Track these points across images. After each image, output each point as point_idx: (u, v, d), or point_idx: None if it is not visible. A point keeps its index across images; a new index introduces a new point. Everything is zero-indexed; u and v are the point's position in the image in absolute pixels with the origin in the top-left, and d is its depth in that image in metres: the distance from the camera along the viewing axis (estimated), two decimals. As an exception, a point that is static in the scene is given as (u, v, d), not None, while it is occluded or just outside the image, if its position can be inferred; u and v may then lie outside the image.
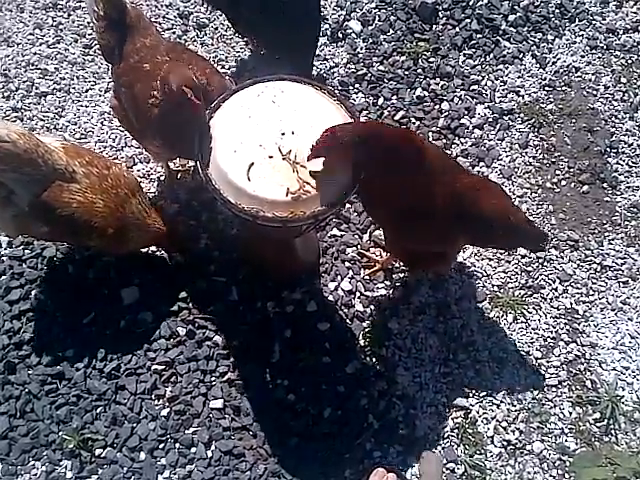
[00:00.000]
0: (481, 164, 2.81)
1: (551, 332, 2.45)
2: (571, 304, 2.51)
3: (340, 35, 3.07)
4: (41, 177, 2.03)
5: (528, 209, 2.71)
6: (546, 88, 3.01)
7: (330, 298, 2.47)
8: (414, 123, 2.86)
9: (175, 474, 2.18)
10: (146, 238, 2.30)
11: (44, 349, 2.31)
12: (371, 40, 3.06)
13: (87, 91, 2.86)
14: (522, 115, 2.94)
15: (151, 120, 2.11)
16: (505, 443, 2.27)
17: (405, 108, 2.89)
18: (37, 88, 2.84)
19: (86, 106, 2.83)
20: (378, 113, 2.88)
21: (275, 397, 2.28)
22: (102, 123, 2.79)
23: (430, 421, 2.28)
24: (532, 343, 2.43)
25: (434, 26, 3.12)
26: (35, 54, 2.93)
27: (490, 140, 2.85)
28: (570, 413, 2.32)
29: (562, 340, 2.44)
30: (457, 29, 3.11)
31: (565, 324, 2.47)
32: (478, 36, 3.10)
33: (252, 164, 1.87)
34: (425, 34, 3.09)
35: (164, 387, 2.29)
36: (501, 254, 2.59)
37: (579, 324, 2.47)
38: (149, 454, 2.20)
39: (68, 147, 2.16)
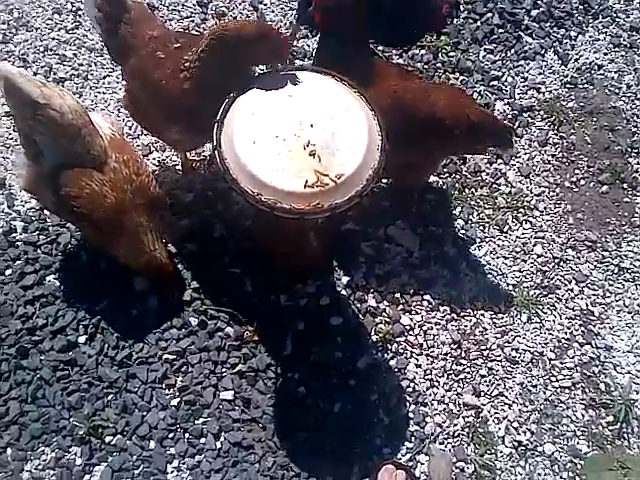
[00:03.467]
0: (499, 161, 2.78)
1: (565, 333, 2.43)
2: (587, 305, 2.48)
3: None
4: (72, 153, 2.06)
5: (546, 208, 2.68)
6: (567, 85, 2.97)
7: (343, 292, 2.46)
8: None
9: (184, 464, 2.18)
10: (138, 257, 2.19)
11: (57, 335, 2.31)
12: (391, 32, 3.02)
13: (105, 78, 2.85)
14: (542, 112, 2.90)
15: (177, 100, 2.09)
16: (516, 444, 2.25)
17: (423, 102, 2.85)
18: (55, 74, 2.83)
19: (103, 93, 2.82)
20: (396, 107, 2.84)
21: (286, 390, 2.27)
22: (119, 110, 2.78)
23: (440, 419, 2.27)
24: (546, 344, 2.41)
25: (455, 20, 3.08)
26: (54, 39, 2.92)
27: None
28: (583, 416, 2.30)
29: (577, 342, 2.42)
30: (478, 23, 3.07)
31: (580, 325, 2.45)
32: (500, 31, 3.06)
33: (271, 155, 1.86)
34: (446, 27, 3.05)
35: (175, 377, 2.29)
36: (517, 253, 2.57)
37: (594, 326, 2.45)
38: (158, 443, 2.20)
39: (115, 139, 2.16)
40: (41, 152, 2.09)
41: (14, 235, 2.48)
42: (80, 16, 2.99)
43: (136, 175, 2.15)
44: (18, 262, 2.42)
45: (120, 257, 2.23)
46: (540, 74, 2.99)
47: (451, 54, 2.98)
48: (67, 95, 2.06)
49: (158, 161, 2.69)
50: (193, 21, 3.02)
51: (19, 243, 2.47)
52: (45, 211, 2.50)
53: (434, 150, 2.37)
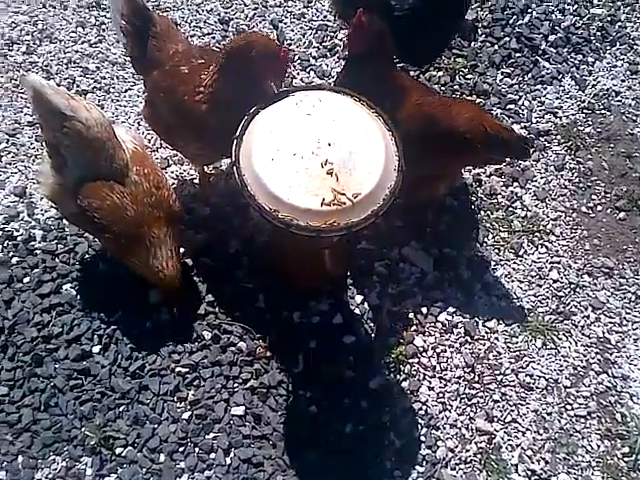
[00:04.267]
0: (515, 184, 2.78)
1: (581, 361, 2.41)
2: (603, 333, 2.47)
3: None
4: (95, 165, 2.10)
5: (562, 232, 2.68)
6: (585, 111, 2.98)
7: (356, 311, 2.46)
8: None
9: (193, 478, 2.17)
10: (150, 272, 2.21)
11: (72, 344, 2.33)
12: (409, 54, 3.05)
13: (126, 91, 2.89)
14: (559, 137, 2.91)
15: (198, 117, 2.13)
16: (530, 472, 2.22)
17: (441, 124, 2.87)
18: (78, 86, 2.87)
19: (124, 106, 2.86)
20: (414, 128, 2.86)
21: (297, 408, 2.27)
22: (139, 123, 2.81)
23: (452, 443, 2.25)
24: (561, 371, 2.39)
25: (473, 43, 3.10)
26: (77, 52, 2.97)
27: (525, 160, 2.83)
28: (598, 446, 2.27)
29: (593, 370, 2.40)
30: (496, 47, 3.10)
31: (596, 353, 2.43)
32: (517, 55, 3.09)
33: (288, 172, 1.88)
34: (463, 50, 3.08)
35: (187, 390, 2.29)
36: (532, 277, 2.56)
37: (611, 354, 2.43)
38: (169, 456, 2.20)
39: (137, 153, 2.21)
40: (65, 163, 2.13)
41: (33, 243, 2.50)
42: (104, 30, 3.04)
43: (156, 188, 2.18)
44: (36, 270, 2.44)
45: (135, 268, 2.24)
46: (557, 99, 3.00)
47: (468, 77, 3.01)
48: (93, 108, 2.10)
49: (176, 174, 2.71)
50: (214, 37, 3.07)
51: (38, 251, 2.49)
52: (64, 221, 2.53)
53: (453, 161, 2.42)
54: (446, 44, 2.81)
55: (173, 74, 2.18)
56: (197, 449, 2.21)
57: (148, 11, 2.24)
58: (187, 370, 2.31)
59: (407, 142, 1.99)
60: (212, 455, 2.20)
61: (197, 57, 2.19)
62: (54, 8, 3.07)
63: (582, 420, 2.31)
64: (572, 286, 2.55)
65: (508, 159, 2.52)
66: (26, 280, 2.42)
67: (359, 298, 2.48)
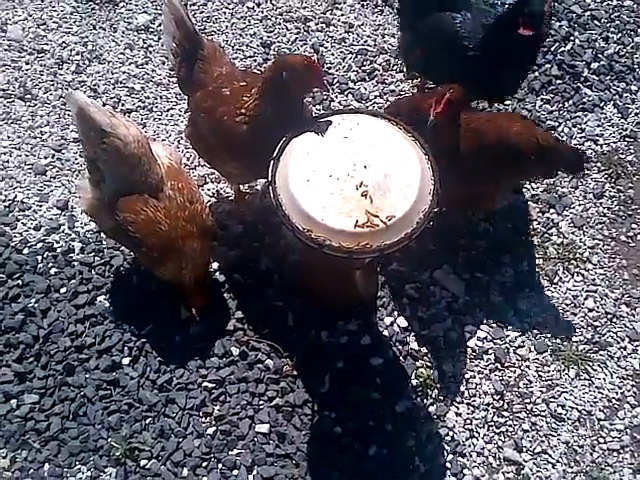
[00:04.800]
0: (552, 211, 2.74)
1: (616, 393, 2.34)
2: (640, 365, 2.39)
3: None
4: (130, 180, 2.16)
5: (599, 261, 2.61)
6: (627, 139, 2.93)
7: (385, 333, 2.44)
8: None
9: (215, 495, 2.17)
10: (181, 281, 2.26)
11: (102, 355, 2.37)
12: (447, 79, 3.06)
13: (168, 110, 2.98)
14: (599, 164, 2.86)
15: (237, 138, 2.18)
16: (558, 506, 2.16)
17: (477, 149, 2.86)
18: (123, 105, 2.97)
19: (166, 124, 2.94)
20: (449, 152, 2.86)
21: (321, 428, 2.25)
22: (179, 142, 2.89)
23: (479, 472, 2.20)
24: (595, 402, 2.32)
25: (515, 69, 3.09)
26: (124, 73, 3.07)
27: (563, 187, 2.78)
28: (630, 481, 2.19)
29: (628, 403, 2.32)
30: (536, 73, 3.08)
31: (632, 386, 2.35)
32: (558, 82, 3.06)
33: (323, 193, 1.89)
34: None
35: (212, 405, 2.31)
36: (566, 305, 2.50)
37: (647, 388, 2.35)
38: (191, 471, 2.20)
39: (172, 168, 2.26)
40: (103, 178, 2.19)
41: (71, 255, 2.58)
42: (150, 52, 3.15)
43: (190, 203, 2.22)
44: (73, 281, 2.51)
45: (166, 279, 2.29)
46: (598, 126, 2.96)
47: (507, 102, 2.99)
48: (132, 125, 2.17)
49: (212, 192, 2.76)
50: (255, 60, 3.14)
51: (75, 263, 2.56)
52: (102, 234, 2.60)
53: (505, 176, 2.39)
54: (524, 75, 2.61)
55: (215, 95, 2.25)
56: (220, 465, 2.21)
57: (197, 35, 2.32)
58: (214, 385, 2.33)
59: (459, 160, 1.98)
60: (235, 472, 2.20)
61: (239, 80, 2.25)
62: (104, 30, 3.20)
63: (615, 454, 2.24)
64: (609, 316, 2.48)
65: (562, 172, 2.45)
66: (63, 290, 2.49)
67: (388, 320, 2.47)
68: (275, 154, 2.01)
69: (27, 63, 3.05)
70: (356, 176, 1.92)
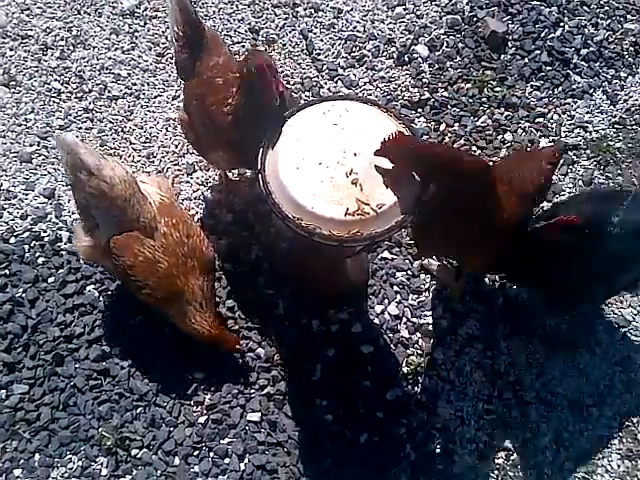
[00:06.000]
0: (542, 199, 2.74)
1: (605, 380, 2.36)
2: (628, 352, 2.41)
3: (406, 59, 3.06)
4: (123, 223, 2.09)
5: (588, 249, 2.62)
6: (615, 126, 2.93)
7: (376, 321, 2.44)
8: (475, 152, 2.82)
9: (207, 483, 2.18)
10: (186, 325, 2.18)
11: (92, 344, 2.36)
12: (437, 66, 3.05)
13: (156, 97, 2.94)
14: (588, 151, 2.86)
15: (223, 128, 2.16)
16: (548, 491, 2.19)
17: (467, 136, 2.86)
18: (109, 91, 2.93)
19: (153, 112, 2.90)
20: (439, 139, 2.85)
21: (313, 416, 2.26)
22: (167, 129, 2.86)
23: (470, 459, 2.22)
24: (584, 389, 2.34)
25: (502, 55, 3.08)
26: (110, 59, 3.03)
27: (553, 174, 2.78)
28: (618, 466, 2.23)
29: (616, 389, 2.34)
30: (526, 60, 3.07)
31: (621, 373, 2.37)
32: (547, 68, 3.05)
33: (313, 181, 1.88)
34: (493, 63, 3.06)
35: (204, 394, 2.30)
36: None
37: (636, 374, 2.37)
38: (183, 460, 2.20)
39: (164, 204, 2.18)
40: (97, 225, 2.14)
41: (59, 244, 2.55)
42: (136, 38, 3.10)
43: (187, 237, 2.15)
44: (61, 270, 2.49)
45: (175, 323, 2.22)
46: (587, 113, 2.96)
47: (497, 89, 2.98)
48: (118, 166, 2.09)
49: (201, 180, 2.74)
50: (244, 46, 3.10)
51: (63, 252, 2.53)
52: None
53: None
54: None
55: (208, 84, 2.24)
56: (212, 454, 2.21)
57: (200, 24, 2.32)
58: (205, 374, 2.32)
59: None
60: (226, 460, 2.21)
61: (234, 71, 2.20)
62: (89, 15, 3.14)
63: (603, 440, 2.26)
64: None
65: None
66: (51, 280, 2.47)
67: (379, 308, 2.47)
68: (264, 141, 1.99)
69: (11, 49, 2.99)
70: (346, 164, 1.91)
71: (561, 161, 2.77)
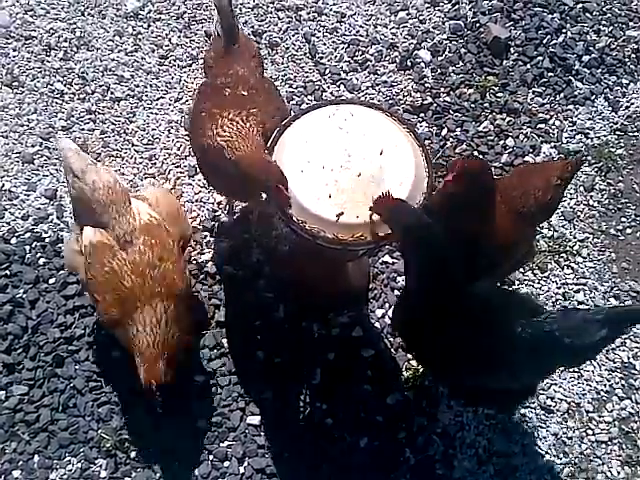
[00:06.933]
0: (543, 204, 2.74)
1: (605, 385, 2.37)
2: (628, 358, 2.42)
3: (409, 63, 3.07)
4: (99, 226, 2.06)
5: (589, 254, 2.63)
6: (617, 132, 2.94)
7: (377, 325, 2.45)
8: (477, 157, 2.83)
9: (206, 486, 2.17)
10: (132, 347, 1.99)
11: (92, 346, 2.35)
12: (439, 70, 3.05)
13: (158, 99, 2.94)
14: (589, 158, 2.87)
15: (195, 145, 2.15)
16: (547, 496, 2.19)
17: (468, 141, 2.86)
18: (112, 93, 2.93)
19: (156, 114, 2.90)
20: (441, 144, 2.86)
21: (313, 420, 2.26)
22: (169, 131, 2.86)
23: (469, 464, 2.22)
24: (584, 395, 2.35)
25: (505, 61, 3.09)
26: (113, 60, 3.03)
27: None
28: (618, 473, 2.23)
29: (616, 395, 2.35)
30: (528, 66, 3.08)
31: (620, 379, 2.38)
32: (549, 74, 3.06)
33: (317, 184, 1.88)
34: (495, 69, 3.06)
35: (204, 397, 2.29)
36: (557, 298, 2.52)
37: (635, 380, 2.38)
38: (183, 463, 2.20)
39: (151, 224, 2.08)
40: (83, 229, 2.09)
41: (60, 245, 2.55)
42: (140, 40, 3.10)
43: (159, 260, 2.02)
44: (62, 272, 2.49)
45: (125, 343, 2.04)
46: (589, 119, 2.97)
47: (499, 95, 2.99)
48: (104, 173, 2.09)
49: (203, 182, 2.74)
50: (247, 49, 3.10)
51: (64, 253, 2.53)
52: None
53: None
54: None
55: (215, 89, 2.16)
56: (211, 457, 2.21)
57: (235, 29, 2.25)
58: (205, 377, 2.32)
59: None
60: (226, 463, 2.20)
61: (246, 89, 2.12)
62: (92, 16, 3.14)
63: (603, 446, 2.27)
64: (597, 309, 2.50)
65: None
66: (52, 281, 2.47)
67: (380, 312, 2.47)
68: (269, 144, 1.99)
69: (14, 50, 2.99)
70: (350, 167, 1.91)
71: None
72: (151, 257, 2.02)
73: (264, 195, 1.92)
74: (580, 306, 2.51)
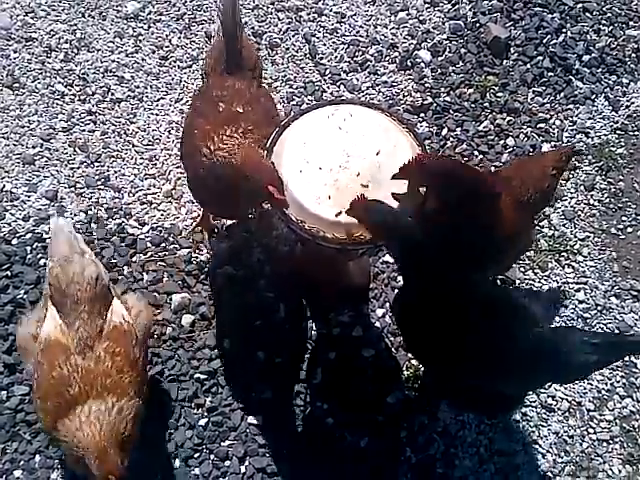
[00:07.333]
0: (543, 203, 2.74)
1: (606, 384, 2.37)
2: (629, 357, 2.41)
3: (409, 63, 3.07)
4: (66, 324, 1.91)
5: (590, 253, 2.63)
6: (617, 131, 2.94)
7: (377, 325, 2.45)
8: (477, 156, 2.83)
9: (207, 486, 2.18)
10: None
11: (93, 346, 2.35)
12: (440, 70, 3.05)
13: (159, 100, 2.95)
14: (590, 157, 2.87)
15: (188, 164, 2.14)
16: (548, 495, 2.19)
17: (469, 141, 2.86)
18: (113, 94, 2.94)
19: (156, 114, 2.91)
20: (441, 144, 2.86)
21: (313, 419, 2.26)
22: (169, 132, 2.86)
23: (470, 463, 2.21)
24: (585, 393, 2.34)
25: (505, 61, 3.09)
26: (113, 61, 3.03)
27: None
28: (620, 471, 2.23)
29: (617, 394, 2.35)
30: (528, 66, 3.08)
31: (622, 377, 2.38)
32: (549, 74, 3.06)
33: (317, 184, 1.89)
34: (495, 68, 3.07)
35: (204, 397, 2.30)
36: (557, 297, 2.52)
37: (636, 379, 2.38)
38: (183, 462, 2.20)
39: (119, 329, 1.93)
40: (44, 316, 1.95)
41: (61, 246, 2.55)
42: (140, 41, 3.10)
43: (118, 372, 1.86)
44: (62, 272, 2.49)
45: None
46: (589, 119, 2.97)
47: (499, 94, 2.99)
48: (88, 266, 1.96)
49: (204, 183, 2.74)
50: (247, 50, 3.10)
51: (65, 254, 2.53)
52: (92, 224, 2.58)
53: None
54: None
55: (207, 100, 2.09)
56: (212, 456, 2.21)
57: (238, 39, 2.16)
58: (206, 377, 2.32)
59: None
60: (227, 463, 2.21)
61: (240, 104, 2.04)
62: (93, 18, 3.15)
63: (604, 444, 2.27)
64: (599, 308, 2.51)
65: None
66: (53, 281, 2.47)
67: (380, 311, 2.47)
68: (268, 144, 2.00)
69: (15, 51, 3.00)
70: (350, 167, 1.91)
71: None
72: (110, 367, 1.86)
73: (253, 209, 1.89)
74: (580, 305, 2.51)
